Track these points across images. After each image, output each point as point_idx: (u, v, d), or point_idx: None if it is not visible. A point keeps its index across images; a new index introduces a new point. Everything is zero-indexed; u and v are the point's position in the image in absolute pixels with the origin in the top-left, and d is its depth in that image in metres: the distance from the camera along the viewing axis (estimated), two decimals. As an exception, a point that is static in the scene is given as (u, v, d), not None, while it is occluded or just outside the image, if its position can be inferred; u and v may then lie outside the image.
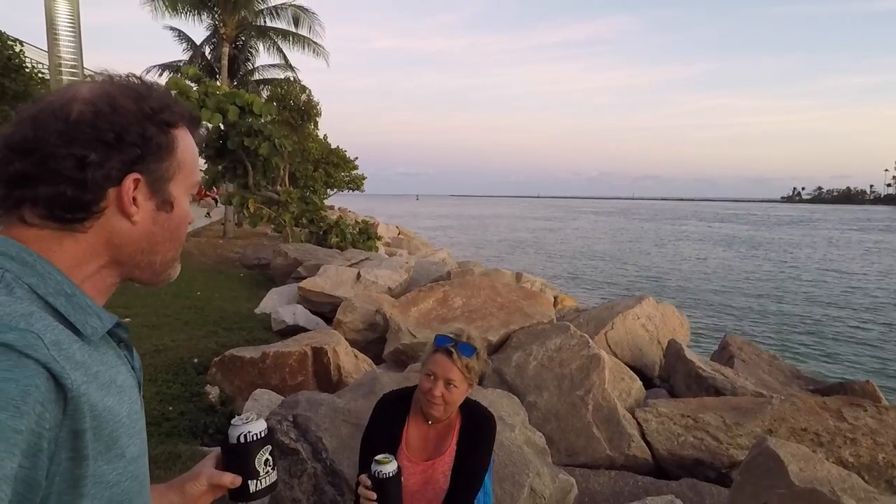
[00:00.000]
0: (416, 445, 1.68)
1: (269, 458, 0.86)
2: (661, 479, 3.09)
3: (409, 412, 1.71)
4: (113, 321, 0.65)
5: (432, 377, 1.60)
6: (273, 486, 0.88)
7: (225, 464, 0.86)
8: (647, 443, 3.27)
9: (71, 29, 12.23)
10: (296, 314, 6.06)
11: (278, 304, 6.85)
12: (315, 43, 19.08)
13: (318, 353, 3.98)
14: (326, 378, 3.97)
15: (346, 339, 4.49)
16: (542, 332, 4.15)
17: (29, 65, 14.98)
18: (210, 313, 6.58)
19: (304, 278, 7.26)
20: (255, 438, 0.85)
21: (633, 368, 4.52)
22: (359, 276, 7.01)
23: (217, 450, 0.91)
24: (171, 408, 3.91)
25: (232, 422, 0.88)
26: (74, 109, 0.61)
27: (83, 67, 12.86)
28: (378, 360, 4.68)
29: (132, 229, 0.66)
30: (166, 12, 16.96)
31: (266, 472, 0.86)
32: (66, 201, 0.61)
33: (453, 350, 1.58)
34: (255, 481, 0.85)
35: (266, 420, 2.40)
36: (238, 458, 0.85)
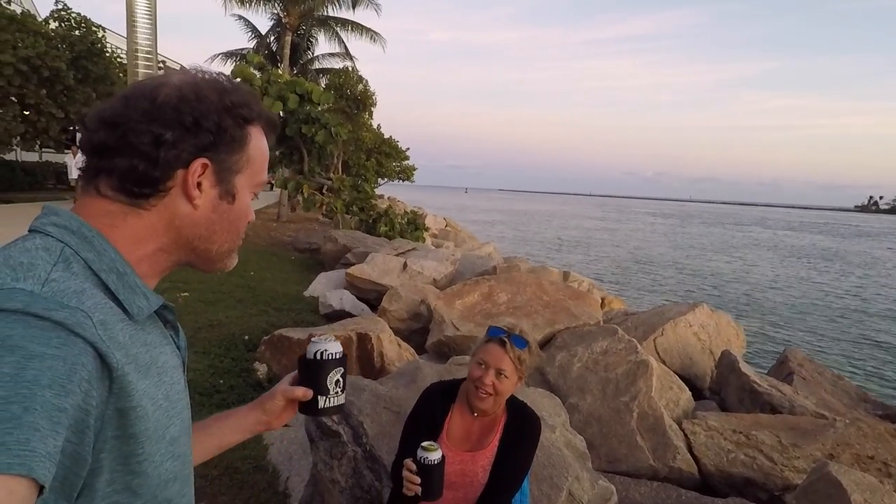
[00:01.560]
0: (459, 436, 1.67)
1: (340, 379, 0.90)
2: (707, 496, 2.96)
3: (455, 402, 1.71)
4: (159, 303, 0.67)
5: (483, 366, 1.59)
6: (339, 407, 0.92)
7: (299, 379, 0.92)
8: (694, 456, 3.13)
9: (148, 17, 12.87)
10: (342, 299, 6.19)
11: (326, 288, 7.01)
12: (371, 30, 19.31)
13: (363, 339, 4.04)
14: (370, 364, 4.03)
15: (390, 327, 4.54)
16: (587, 333, 4.05)
17: (109, 50, 15.94)
18: (262, 293, 6.81)
19: (353, 265, 7.39)
20: (330, 357, 0.89)
21: (682, 378, 4.35)
22: (405, 265, 7.07)
23: (294, 372, 0.96)
24: (221, 381, 4.08)
25: (311, 339, 0.93)
26: (162, 92, 0.65)
27: (157, 53, 13.53)
28: (420, 349, 4.71)
29: (193, 213, 0.68)
30: (235, 2, 17.57)
31: (335, 392, 0.90)
32: (137, 175, 0.63)
33: (507, 340, 1.59)
34: (324, 398, 0.89)
35: None
36: (312, 372, 0.89)
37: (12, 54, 12.15)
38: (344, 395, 0.92)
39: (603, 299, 7.79)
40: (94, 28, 15.39)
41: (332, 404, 0.90)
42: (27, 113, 13.61)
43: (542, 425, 1.76)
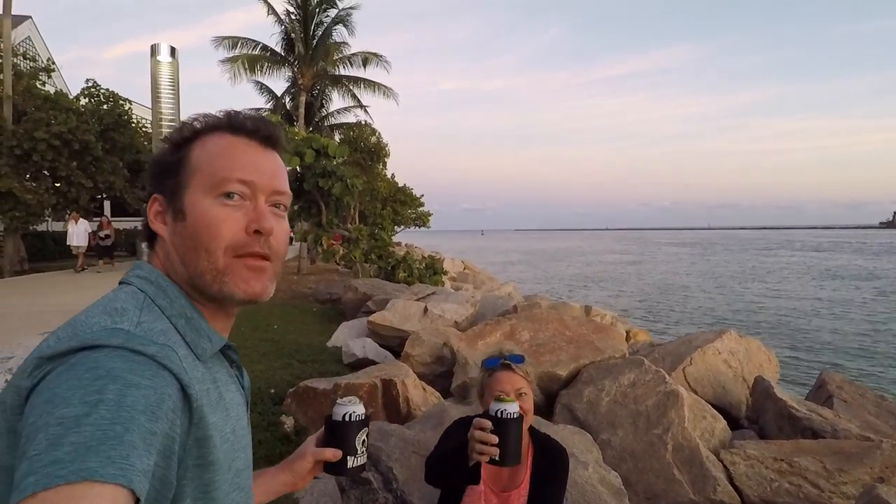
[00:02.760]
0: (491, 474, 1.67)
1: (365, 439, 0.95)
2: (754, 530, 2.84)
3: None
4: (222, 343, 0.73)
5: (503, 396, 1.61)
6: (363, 467, 0.95)
7: (326, 440, 0.95)
8: (736, 487, 3.02)
9: (171, 88, 13.65)
10: (365, 347, 6.20)
11: (349, 337, 7.04)
12: (385, 87, 20.06)
13: (388, 385, 4.04)
14: (395, 410, 4.01)
15: (414, 371, 4.53)
16: (614, 366, 3.99)
17: (135, 120, 16.81)
18: (285, 346, 6.86)
19: (373, 312, 7.43)
20: (357, 418, 0.93)
21: (717, 407, 4.23)
22: (426, 310, 7.09)
23: (318, 431, 1.00)
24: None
25: (337, 401, 0.96)
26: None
27: (180, 120, 14.22)
28: (446, 393, 4.67)
29: (165, 245, 0.73)
30: (245, 73, 18.44)
31: (361, 452, 0.94)
32: (143, 230, 0.77)
33: (510, 363, 1.62)
34: (352, 458, 0.93)
35: None
36: (341, 434, 0.93)
37: (46, 131, 12.87)
38: (366, 455, 0.96)
39: (628, 332, 7.67)
40: (121, 101, 16.29)
41: (358, 463, 0.94)
42: (58, 185, 14.29)
43: (574, 462, 1.75)
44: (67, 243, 14.56)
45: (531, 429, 1.74)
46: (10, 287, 11.30)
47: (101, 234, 15.20)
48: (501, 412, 1.23)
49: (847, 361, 11.39)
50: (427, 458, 1.68)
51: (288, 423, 4.30)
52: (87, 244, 14.50)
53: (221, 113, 0.74)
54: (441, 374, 5.19)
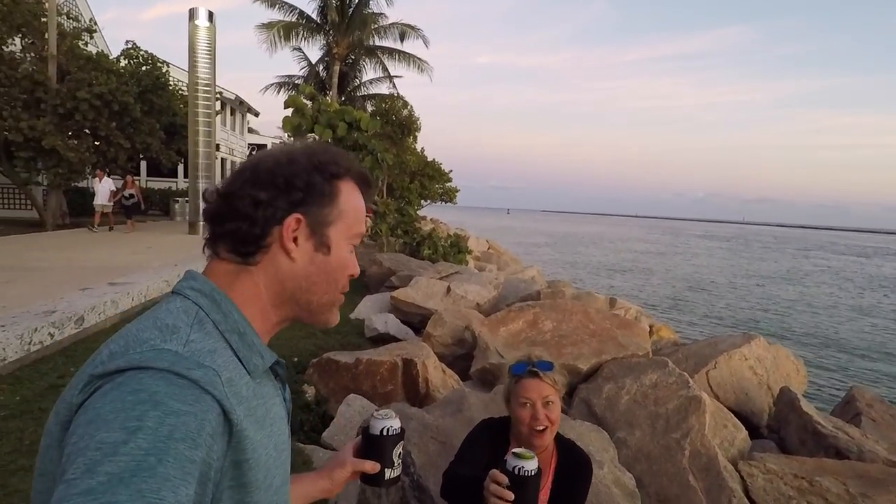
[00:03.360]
0: None
1: (401, 451, 0.98)
2: (767, 543, 2.82)
3: (510, 443, 1.69)
4: (273, 359, 0.74)
5: (528, 403, 1.57)
6: (398, 478, 0.99)
7: (364, 451, 0.98)
8: (752, 500, 2.99)
9: (208, 52, 13.76)
10: (387, 323, 6.28)
11: (372, 311, 7.14)
12: (419, 59, 19.83)
13: (408, 364, 4.09)
14: (414, 389, 4.07)
15: (434, 352, 4.57)
16: (636, 365, 3.96)
17: (172, 83, 17.05)
18: (310, 316, 6.99)
19: (397, 287, 7.50)
20: (394, 432, 0.97)
21: (737, 414, 4.17)
22: (449, 289, 7.11)
23: (355, 440, 1.03)
24: (271, 404, 4.20)
25: (374, 415, 0.99)
26: (262, 162, 0.75)
27: (215, 85, 14.36)
28: (464, 376, 4.71)
29: (292, 266, 0.74)
30: (280, 42, 18.45)
31: (397, 465, 0.98)
32: (241, 235, 0.72)
33: (537, 370, 1.58)
34: (390, 470, 0.96)
35: (360, 427, 2.50)
36: (379, 447, 0.96)
37: (87, 91, 13.16)
38: (401, 466, 0.99)
39: (651, 327, 7.58)
40: (159, 64, 16.51)
41: (394, 475, 0.97)
42: (98, 144, 14.65)
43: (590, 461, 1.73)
44: (95, 202, 14.22)
45: (557, 436, 1.71)
46: (53, 240, 11.74)
47: (126, 193, 14.82)
48: (519, 469, 1.17)
49: (882, 378, 10.94)
50: (445, 473, 1.64)
51: (309, 392, 4.42)
52: (110, 203, 14.22)
53: (352, 161, 0.81)
54: (461, 356, 5.23)
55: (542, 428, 1.57)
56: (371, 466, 0.95)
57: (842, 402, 5.15)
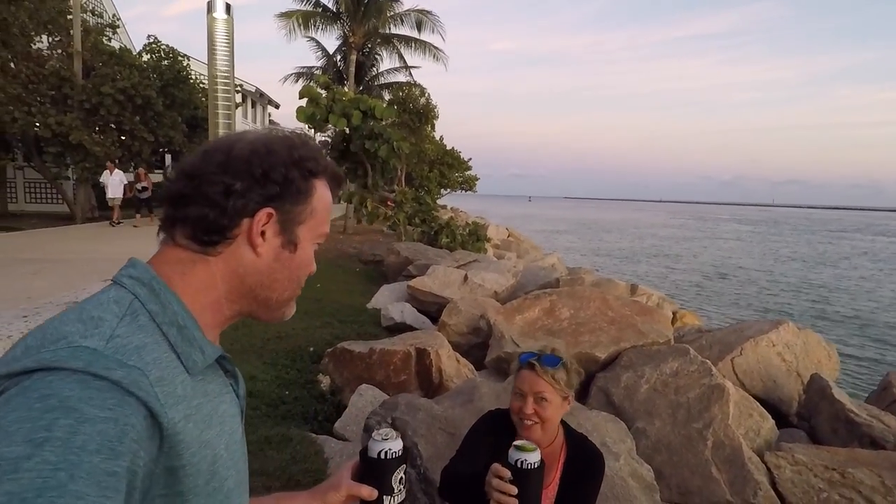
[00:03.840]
0: None
1: (403, 476, 0.89)
2: (794, 538, 2.69)
3: (515, 436, 1.64)
4: (215, 355, 0.67)
5: (520, 394, 1.54)
6: (403, 503, 0.90)
7: (361, 475, 0.90)
8: (779, 493, 2.86)
9: (226, 44, 13.82)
10: (403, 312, 6.24)
11: (388, 300, 7.11)
12: (435, 48, 19.63)
13: (422, 354, 4.04)
14: (428, 379, 4.01)
15: (449, 341, 4.51)
16: (656, 353, 3.82)
17: (193, 76, 17.24)
18: (327, 305, 7.00)
19: (414, 277, 7.46)
20: (394, 456, 0.88)
21: (763, 403, 4.01)
22: (466, 278, 7.04)
23: (353, 460, 0.94)
24: (287, 392, 4.20)
25: (373, 436, 0.90)
26: (237, 146, 0.69)
27: (234, 77, 14.45)
28: (480, 365, 4.65)
29: (256, 261, 0.70)
30: (299, 30, 18.48)
31: (399, 490, 0.89)
32: (206, 223, 0.67)
33: (535, 363, 1.53)
34: (389, 497, 0.87)
35: (367, 420, 2.41)
36: (377, 472, 0.88)
37: (111, 86, 13.40)
38: (405, 490, 0.90)
39: (674, 314, 7.39)
40: (179, 57, 16.69)
41: (396, 502, 0.89)
42: (123, 138, 14.92)
43: (605, 453, 1.65)
44: (107, 196, 14.00)
45: (566, 428, 1.65)
46: (80, 233, 12.06)
47: (138, 185, 14.54)
48: (521, 462, 1.15)
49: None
50: (444, 471, 1.60)
51: (324, 381, 4.41)
52: (122, 196, 13.97)
53: (329, 160, 0.78)
54: (476, 345, 5.16)
55: (529, 422, 1.51)
56: (368, 493, 0.87)
57: (877, 389, 4.92)
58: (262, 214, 0.68)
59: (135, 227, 13.72)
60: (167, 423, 0.55)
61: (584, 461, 1.59)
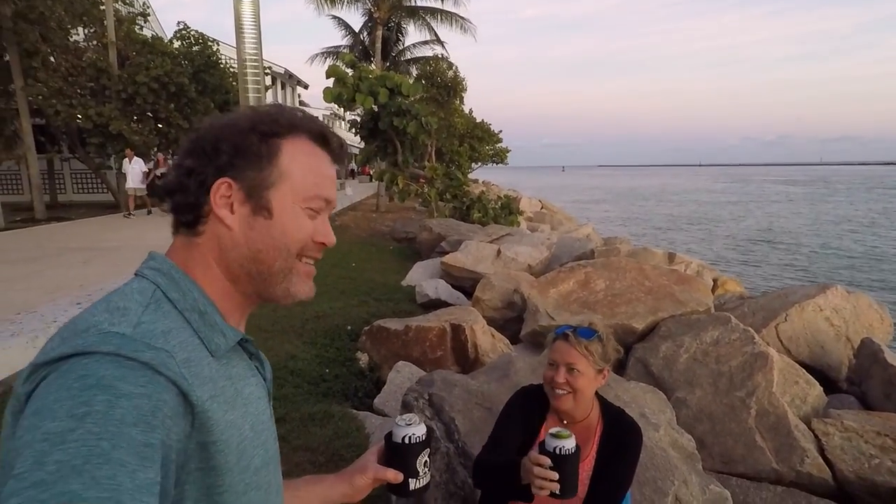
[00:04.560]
0: None
1: (427, 459, 0.92)
2: (844, 506, 2.63)
3: (549, 409, 1.65)
4: (238, 338, 0.70)
5: (553, 365, 1.56)
6: (427, 486, 0.93)
7: (387, 459, 0.93)
8: (827, 460, 2.79)
9: (253, 28, 13.89)
10: (438, 288, 6.28)
11: (423, 277, 7.17)
12: (462, 18, 19.21)
13: (457, 330, 4.07)
14: (464, 354, 4.05)
15: (483, 316, 4.52)
16: (696, 322, 3.74)
17: (223, 61, 17.46)
18: (362, 283, 7.12)
19: (447, 253, 7.48)
20: (417, 440, 0.91)
21: (811, 370, 3.89)
22: (499, 252, 7.01)
23: (379, 444, 0.97)
24: (327, 370, 4.33)
25: (396, 421, 0.93)
26: (202, 129, 0.71)
27: (262, 59, 14.57)
28: (515, 339, 4.66)
29: (231, 234, 0.69)
30: (327, 4, 18.38)
31: (423, 473, 0.92)
32: (180, 206, 0.69)
33: (570, 333, 1.55)
34: (414, 480, 0.91)
35: (404, 396, 2.46)
36: (401, 456, 0.91)
37: (145, 74, 13.72)
38: (430, 473, 0.93)
39: (715, 281, 7.19)
40: (209, 43, 16.89)
41: (421, 485, 0.92)
42: (160, 126, 15.32)
43: (644, 423, 1.65)
44: (126, 185, 13.50)
45: (603, 402, 1.65)
46: (125, 221, 12.55)
47: (157, 172, 13.70)
48: (559, 449, 1.20)
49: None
50: (476, 461, 1.63)
51: (363, 359, 4.51)
52: (143, 185, 13.35)
53: (304, 116, 0.75)
54: (511, 319, 5.17)
55: (560, 391, 1.54)
56: (393, 475, 0.90)
57: (935, 354, 4.70)
58: (219, 185, 0.68)
59: (149, 213, 13.43)
60: (196, 400, 0.58)
61: (620, 435, 1.59)
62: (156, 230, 10.70)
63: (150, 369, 0.55)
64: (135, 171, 13.19)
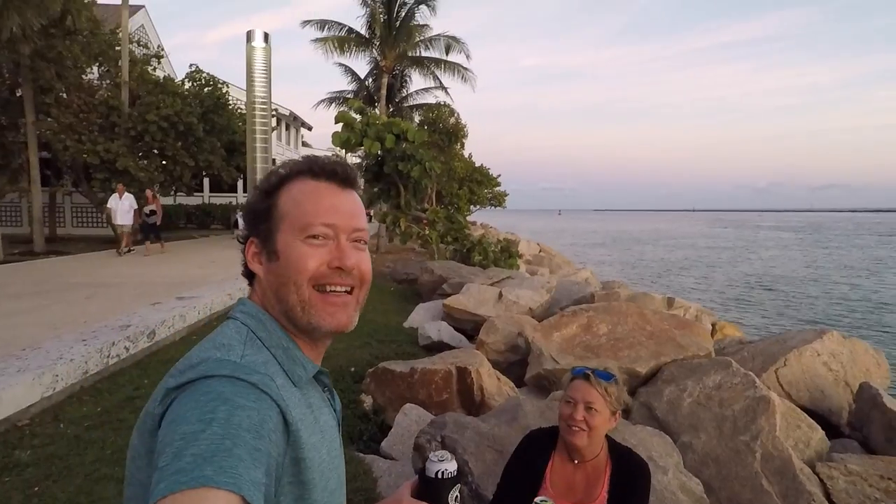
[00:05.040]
0: (562, 486, 1.65)
1: (458, 495, 0.95)
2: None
3: (555, 450, 1.70)
4: (315, 370, 0.80)
5: (572, 402, 1.63)
6: None
7: (420, 493, 0.96)
8: (833, 506, 2.81)
9: (264, 72, 14.42)
10: (440, 330, 6.32)
11: (425, 319, 7.21)
12: (464, 69, 19.96)
13: (463, 372, 4.10)
14: (470, 397, 4.08)
15: (488, 359, 4.56)
16: (698, 366, 3.80)
17: (231, 102, 17.97)
18: (364, 324, 7.14)
19: (449, 295, 7.55)
20: (450, 476, 0.94)
21: (812, 414, 3.92)
22: (500, 295, 7.09)
23: (413, 479, 1.01)
24: (332, 412, 4.32)
25: (430, 456, 0.97)
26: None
27: (271, 102, 15.01)
28: (519, 382, 4.68)
29: (261, 282, 0.81)
30: (335, 52, 19.12)
31: None
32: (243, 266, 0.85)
33: (590, 374, 1.64)
34: None
35: (416, 438, 2.51)
36: (435, 491, 0.93)
37: (156, 114, 14.09)
38: None
39: (714, 325, 7.26)
40: (219, 85, 17.44)
41: None
42: (165, 163, 15.60)
43: (652, 467, 1.70)
44: (113, 222, 12.85)
45: (610, 441, 1.71)
46: (126, 257, 12.58)
47: (146, 209, 12.99)
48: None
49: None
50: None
51: (367, 401, 4.50)
52: (131, 222, 12.62)
53: (303, 159, 0.83)
54: (515, 362, 5.20)
55: (576, 428, 1.60)
56: None
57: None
58: (248, 245, 0.82)
59: (145, 255, 12.52)
60: (291, 420, 0.67)
61: (630, 472, 1.64)
62: (156, 266, 10.74)
63: (257, 389, 0.65)
64: (123, 206, 12.41)
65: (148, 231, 13.06)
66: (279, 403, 0.66)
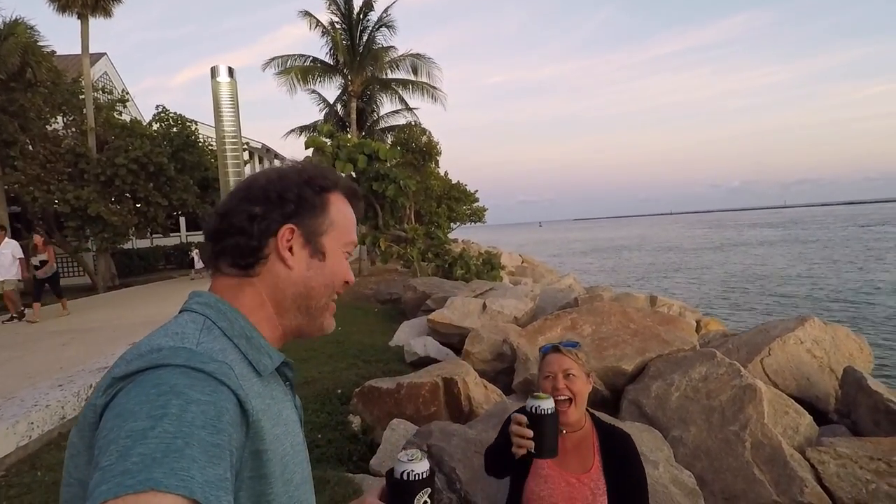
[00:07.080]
0: (557, 459, 1.65)
1: (428, 500, 0.87)
2: (849, 533, 2.62)
3: None
4: (280, 359, 0.77)
5: (550, 376, 1.67)
6: None
7: (388, 497, 0.90)
8: (826, 489, 2.80)
9: (231, 107, 14.38)
10: (426, 346, 6.26)
11: (410, 336, 7.13)
12: (433, 88, 20.17)
13: (449, 383, 4.05)
14: (458, 408, 4.02)
15: (475, 369, 4.52)
16: (683, 359, 3.81)
17: (201, 139, 17.87)
18: (350, 347, 7.04)
19: (433, 311, 7.50)
20: (417, 478, 0.86)
21: (800, 401, 3.94)
22: (484, 306, 7.06)
23: (383, 481, 0.94)
24: (319, 435, 4.22)
25: (398, 456, 0.90)
26: (254, 180, 0.81)
27: (241, 137, 14.96)
28: (507, 390, 4.63)
29: (290, 273, 0.78)
30: (299, 85, 19.12)
31: None
32: (240, 249, 0.77)
33: (558, 346, 1.71)
34: None
35: (402, 449, 2.46)
36: (400, 493, 0.87)
37: (125, 157, 13.93)
38: None
39: (698, 322, 7.32)
40: (188, 123, 17.36)
41: None
42: (139, 205, 15.38)
43: (643, 462, 1.71)
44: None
45: (595, 418, 1.74)
46: (102, 301, 12.30)
47: (35, 261, 9.37)
48: (535, 408, 1.30)
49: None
50: (485, 451, 1.75)
51: (355, 422, 4.42)
52: (16, 277, 8.84)
53: (339, 175, 0.88)
54: (502, 370, 5.16)
55: (563, 398, 1.62)
56: None
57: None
58: (285, 231, 0.77)
59: (30, 321, 8.99)
60: (251, 410, 0.63)
61: (616, 442, 1.67)
62: (131, 310, 10.51)
63: (214, 379, 0.61)
64: (4, 257, 8.72)
65: (39, 288, 9.43)
66: (237, 393, 0.62)
